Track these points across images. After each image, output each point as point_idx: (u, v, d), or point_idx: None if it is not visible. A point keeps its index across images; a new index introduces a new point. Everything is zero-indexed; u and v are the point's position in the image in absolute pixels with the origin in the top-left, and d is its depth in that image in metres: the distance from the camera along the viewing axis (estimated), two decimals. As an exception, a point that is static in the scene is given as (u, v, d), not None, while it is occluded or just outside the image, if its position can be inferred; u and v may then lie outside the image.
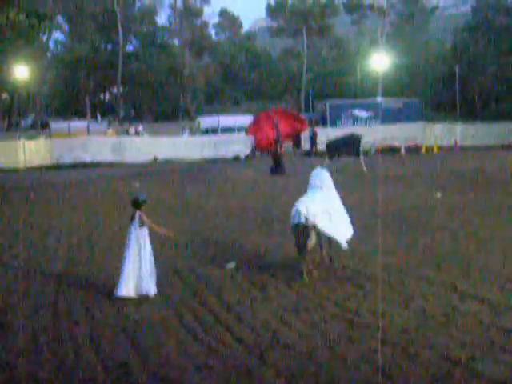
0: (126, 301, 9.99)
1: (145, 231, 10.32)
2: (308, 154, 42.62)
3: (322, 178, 12.35)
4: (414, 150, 42.62)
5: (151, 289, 10.21)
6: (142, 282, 10.17)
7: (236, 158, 41.70)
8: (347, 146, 29.80)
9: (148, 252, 10.29)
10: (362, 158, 28.81)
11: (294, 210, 11.19)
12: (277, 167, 29.69)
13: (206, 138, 45.59)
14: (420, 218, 16.67)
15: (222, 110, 72.04)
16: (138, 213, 10.26)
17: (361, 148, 29.23)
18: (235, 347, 7.96)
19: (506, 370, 6.96)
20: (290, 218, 11.26)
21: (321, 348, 7.80)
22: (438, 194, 20.78)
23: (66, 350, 8.04)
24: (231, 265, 12.03)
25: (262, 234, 15.30)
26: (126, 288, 10.15)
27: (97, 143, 42.12)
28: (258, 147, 43.33)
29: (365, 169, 28.07)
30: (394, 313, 8.99)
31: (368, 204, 18.62)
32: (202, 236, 15.27)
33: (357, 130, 39.64)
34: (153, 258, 10.35)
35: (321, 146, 43.19)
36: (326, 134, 43.80)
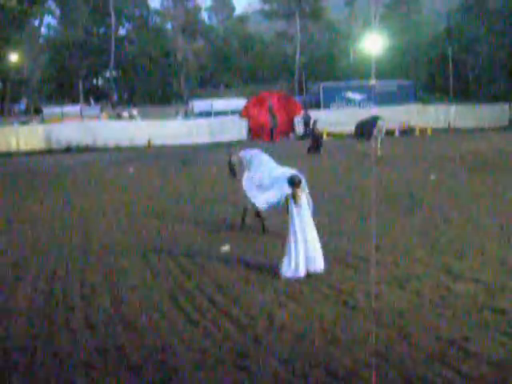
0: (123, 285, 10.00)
1: (306, 209, 10.10)
2: (302, 137, 42.56)
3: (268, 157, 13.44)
4: (408, 132, 42.59)
5: (320, 265, 10.07)
6: (310, 261, 9.97)
7: (230, 143, 41.50)
8: (362, 128, 29.89)
9: (312, 229, 10.06)
10: (371, 140, 28.53)
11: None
12: (315, 147, 30.03)
13: (200, 122, 45.36)
14: (414, 200, 16.70)
15: (215, 94, 71.73)
16: (300, 191, 10.00)
17: (374, 130, 28.92)
18: (230, 330, 7.98)
19: (499, 350, 6.99)
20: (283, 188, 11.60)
21: (316, 330, 7.82)
22: (432, 176, 20.79)
23: (61, 334, 8.04)
24: (226, 248, 12.04)
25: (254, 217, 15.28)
26: (293, 268, 9.94)
27: (90, 127, 41.91)
28: (252, 135, 43.47)
29: (368, 151, 27.93)
30: (389, 294, 9.02)
31: (362, 186, 18.62)
32: (196, 221, 15.28)
33: (352, 112, 39.49)
34: (316, 234, 10.15)
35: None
36: (319, 117, 43.72)
